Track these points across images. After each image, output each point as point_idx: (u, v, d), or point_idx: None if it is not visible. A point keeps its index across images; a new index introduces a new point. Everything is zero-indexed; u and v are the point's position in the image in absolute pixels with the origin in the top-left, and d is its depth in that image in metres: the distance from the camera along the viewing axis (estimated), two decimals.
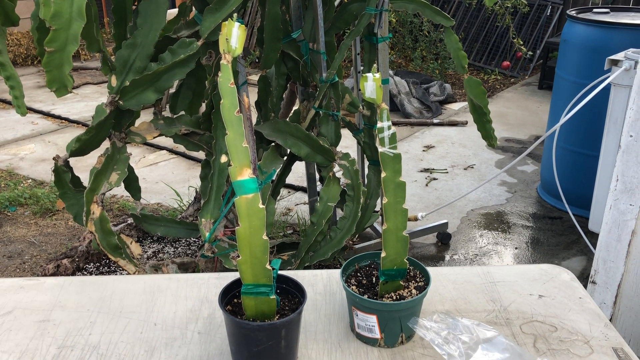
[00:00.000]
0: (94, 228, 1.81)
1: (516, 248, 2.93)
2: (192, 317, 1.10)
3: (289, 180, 3.39)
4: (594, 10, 3.11)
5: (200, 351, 1.01)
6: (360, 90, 2.69)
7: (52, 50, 1.34)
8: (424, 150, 4.15)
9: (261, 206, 0.90)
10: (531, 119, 4.80)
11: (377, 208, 2.50)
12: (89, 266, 2.53)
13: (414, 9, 2.27)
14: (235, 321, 0.90)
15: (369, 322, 1.00)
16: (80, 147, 1.82)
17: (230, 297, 0.98)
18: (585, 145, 3.00)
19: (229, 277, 1.23)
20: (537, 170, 3.79)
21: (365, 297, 1.00)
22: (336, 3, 2.43)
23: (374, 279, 1.07)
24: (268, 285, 0.92)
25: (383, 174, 0.97)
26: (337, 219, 2.26)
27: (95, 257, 2.56)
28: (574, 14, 3.04)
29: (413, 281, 1.06)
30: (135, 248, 1.97)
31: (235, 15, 0.97)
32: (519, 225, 3.14)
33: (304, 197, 3.42)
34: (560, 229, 3.09)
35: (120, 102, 1.79)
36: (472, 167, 3.86)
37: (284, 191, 3.50)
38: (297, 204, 3.36)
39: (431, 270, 1.11)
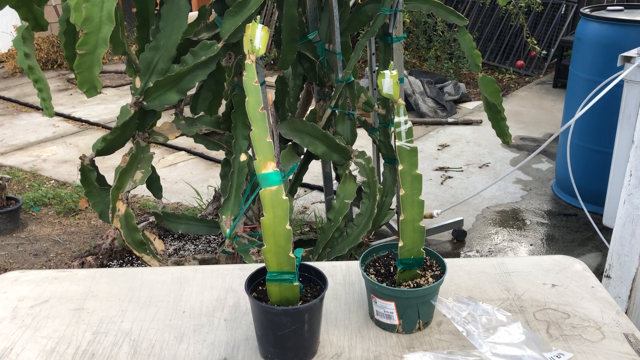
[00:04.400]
0: (120, 224, 1.87)
1: (531, 245, 2.95)
2: (219, 306, 1.16)
3: (306, 179, 3.44)
4: (608, 8, 3.13)
5: (227, 337, 1.07)
6: (375, 89, 2.74)
7: (83, 53, 1.41)
8: (438, 149, 4.18)
9: (285, 197, 0.95)
10: (546, 117, 4.81)
11: (393, 206, 2.55)
12: (113, 263, 2.61)
13: (428, 9, 2.31)
14: (261, 306, 0.95)
15: (388, 309, 1.05)
16: (106, 147, 1.89)
17: (255, 284, 1.03)
18: (599, 142, 3.01)
19: (252, 268, 1.28)
20: (552, 168, 3.81)
21: (384, 284, 1.05)
22: (351, 4, 2.48)
23: (391, 269, 1.11)
24: (291, 272, 0.97)
25: (400, 167, 1.01)
26: (354, 216, 2.31)
27: (119, 254, 2.63)
28: (588, 12, 3.06)
29: (430, 270, 1.10)
30: (158, 244, 2.04)
31: (258, 17, 1.02)
32: (534, 222, 3.16)
33: (320, 196, 3.48)
34: (575, 225, 3.11)
35: (144, 103, 1.86)
36: (487, 166, 3.88)
37: (300, 190, 3.56)
38: (314, 203, 3.41)
39: (447, 261, 1.15)
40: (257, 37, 0.97)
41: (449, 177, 3.71)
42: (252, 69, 0.95)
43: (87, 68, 1.44)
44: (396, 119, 0.99)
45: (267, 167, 0.94)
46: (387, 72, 0.95)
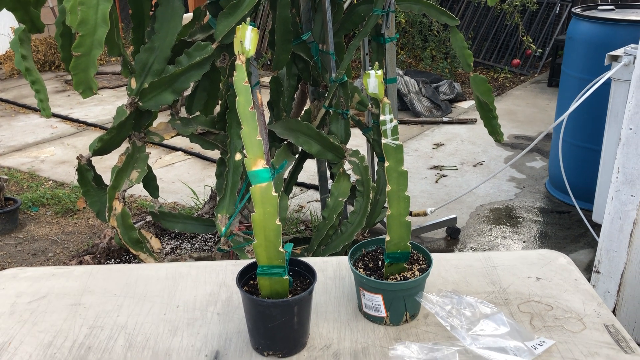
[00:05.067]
0: (116, 223, 1.90)
1: (524, 242, 2.98)
2: (212, 300, 1.19)
3: (302, 178, 3.48)
4: (599, 7, 3.16)
5: (220, 330, 1.10)
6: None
7: (79, 55, 1.44)
8: (433, 148, 4.21)
9: (274, 194, 0.98)
10: (540, 116, 4.85)
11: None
12: (110, 262, 2.63)
13: (419, 9, 2.35)
14: (252, 299, 0.99)
15: (375, 302, 1.08)
16: (103, 147, 1.92)
17: (246, 279, 1.07)
18: (591, 140, 3.05)
19: (244, 264, 1.32)
20: (546, 166, 3.84)
21: (372, 278, 1.08)
22: (345, 5, 2.51)
23: (379, 263, 1.14)
24: (281, 266, 1.00)
25: (386, 164, 1.04)
26: (348, 214, 2.34)
27: (116, 253, 2.66)
28: (579, 12, 3.10)
29: (416, 264, 1.13)
30: (154, 242, 2.07)
31: (248, 19, 1.05)
32: (527, 219, 3.20)
33: (316, 195, 3.51)
34: (568, 222, 3.15)
35: (140, 103, 1.89)
36: (482, 164, 3.92)
37: (296, 189, 3.59)
38: (310, 202, 3.44)
39: (435, 255, 1.19)
40: (247, 38, 1.00)
41: (444, 176, 3.75)
42: (242, 70, 0.98)
43: (83, 69, 1.47)
44: (382, 117, 1.02)
45: (257, 164, 0.97)
46: (372, 72, 0.99)
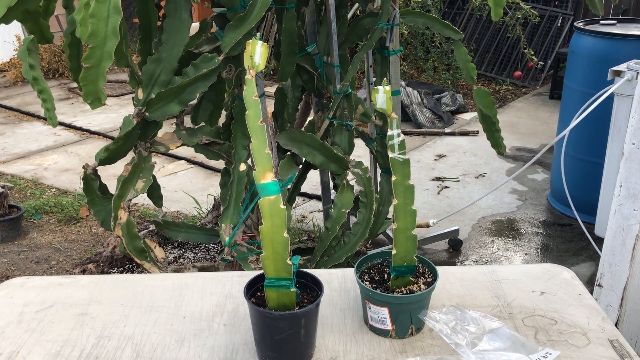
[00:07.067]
0: (121, 232, 1.91)
1: (526, 254, 2.99)
2: (218, 311, 1.20)
3: (304, 188, 3.48)
4: (601, 22, 3.19)
5: (226, 341, 1.11)
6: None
7: (89, 66, 1.46)
8: (435, 160, 4.23)
9: (282, 207, 0.99)
10: (542, 128, 4.87)
11: (390, 215, 2.59)
12: (113, 271, 2.64)
13: (424, 23, 2.37)
14: (260, 311, 0.99)
15: (381, 315, 1.09)
16: (109, 156, 1.93)
17: (253, 290, 1.07)
18: (593, 153, 3.06)
19: (250, 275, 1.32)
20: (548, 178, 3.86)
21: (378, 291, 1.09)
22: (349, 16, 2.53)
23: (385, 276, 1.15)
24: (289, 278, 1.01)
25: (393, 178, 1.06)
26: (351, 225, 2.35)
27: (119, 262, 2.67)
28: (581, 26, 3.12)
29: (422, 277, 1.14)
30: (158, 252, 2.08)
31: (258, 34, 1.07)
32: (529, 232, 3.21)
33: (319, 205, 3.52)
34: (570, 235, 3.15)
35: (147, 114, 1.90)
36: (483, 176, 3.93)
37: (299, 199, 3.60)
38: (312, 212, 3.45)
39: (440, 269, 1.19)
40: (257, 53, 1.02)
41: (446, 187, 3.76)
42: (252, 84, 1.00)
43: (92, 81, 1.49)
44: (389, 132, 1.03)
45: (266, 177, 0.98)
46: (380, 87, 1.00)
